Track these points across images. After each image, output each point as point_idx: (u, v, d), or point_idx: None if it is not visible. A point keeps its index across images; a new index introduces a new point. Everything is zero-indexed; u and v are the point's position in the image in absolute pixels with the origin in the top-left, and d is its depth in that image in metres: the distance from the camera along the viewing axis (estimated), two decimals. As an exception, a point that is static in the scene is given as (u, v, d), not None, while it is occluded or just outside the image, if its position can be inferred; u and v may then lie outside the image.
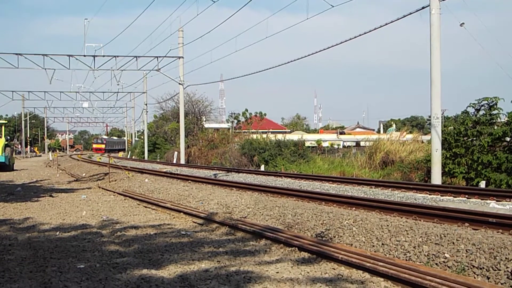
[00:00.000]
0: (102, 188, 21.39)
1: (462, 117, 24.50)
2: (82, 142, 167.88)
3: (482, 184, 20.08)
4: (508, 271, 6.75)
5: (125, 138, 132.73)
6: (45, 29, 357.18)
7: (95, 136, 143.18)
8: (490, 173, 21.43)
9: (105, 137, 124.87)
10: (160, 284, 6.74)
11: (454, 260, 7.37)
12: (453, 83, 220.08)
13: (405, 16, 20.49)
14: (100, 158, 38.48)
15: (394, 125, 75.64)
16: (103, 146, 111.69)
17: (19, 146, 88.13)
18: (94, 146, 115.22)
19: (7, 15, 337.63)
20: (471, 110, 23.90)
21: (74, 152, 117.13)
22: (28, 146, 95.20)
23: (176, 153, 47.47)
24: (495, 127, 22.75)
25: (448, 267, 7.32)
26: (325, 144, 57.38)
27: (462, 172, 22.68)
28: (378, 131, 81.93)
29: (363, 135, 63.51)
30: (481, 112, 23.46)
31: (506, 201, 13.97)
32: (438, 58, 19.47)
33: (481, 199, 14.49)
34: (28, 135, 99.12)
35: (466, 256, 7.33)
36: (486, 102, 23.17)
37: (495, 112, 23.01)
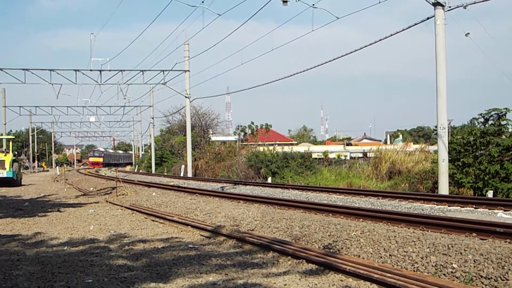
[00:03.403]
0: (110, 203, 21.43)
1: (470, 127, 24.49)
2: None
3: (490, 194, 20.01)
4: (516, 281, 6.73)
5: (121, 151, 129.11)
6: (50, 42, 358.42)
7: (91, 148, 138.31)
8: (497, 183, 21.36)
9: (102, 149, 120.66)
10: (168, 297, 6.76)
11: (462, 271, 7.35)
12: (459, 93, 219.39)
13: (410, 26, 20.63)
14: (105, 173, 38.48)
15: (401, 136, 75.60)
16: (100, 159, 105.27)
17: (27, 161, 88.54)
18: (91, 159, 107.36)
19: (12, 29, 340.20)
20: (479, 119, 23.92)
21: (82, 166, 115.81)
22: (36, 161, 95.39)
23: (183, 166, 47.55)
24: (504, 137, 22.72)
25: (456, 277, 7.31)
26: (332, 156, 57.30)
27: (470, 182, 22.61)
28: (385, 142, 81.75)
29: (370, 146, 63.42)
30: (489, 122, 23.44)
31: (514, 210, 13.91)
32: (444, 69, 19.45)
33: (489, 209, 14.44)
34: (36, 150, 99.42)
35: (474, 266, 7.31)
36: (496, 112, 23.18)
37: (504, 122, 23.03)
